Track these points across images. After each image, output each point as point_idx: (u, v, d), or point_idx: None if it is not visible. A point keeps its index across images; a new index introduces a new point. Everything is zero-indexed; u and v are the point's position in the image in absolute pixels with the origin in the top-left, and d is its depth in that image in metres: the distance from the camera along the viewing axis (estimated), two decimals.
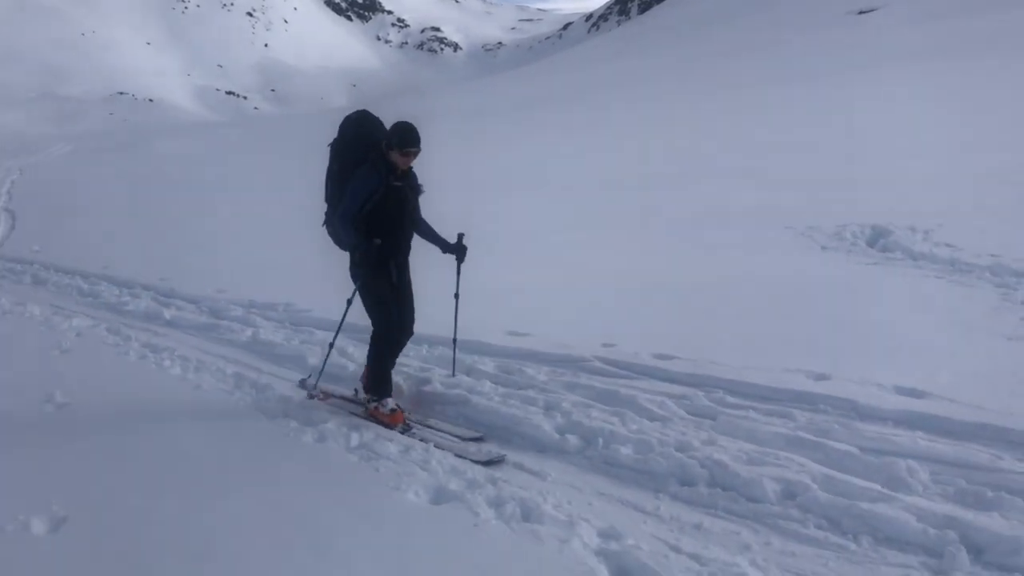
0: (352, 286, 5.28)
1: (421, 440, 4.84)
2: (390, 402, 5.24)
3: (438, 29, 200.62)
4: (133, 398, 5.75)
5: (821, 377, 5.30)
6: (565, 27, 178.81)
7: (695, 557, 3.42)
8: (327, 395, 5.64)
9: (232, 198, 20.24)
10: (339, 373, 6.28)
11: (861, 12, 51.73)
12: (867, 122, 18.29)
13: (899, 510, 3.63)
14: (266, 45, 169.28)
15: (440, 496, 4.06)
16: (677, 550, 3.48)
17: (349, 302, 5.35)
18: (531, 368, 5.95)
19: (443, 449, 4.69)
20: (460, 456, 4.59)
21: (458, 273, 5.58)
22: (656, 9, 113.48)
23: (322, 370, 5.62)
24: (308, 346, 6.96)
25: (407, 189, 5.19)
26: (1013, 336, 5.93)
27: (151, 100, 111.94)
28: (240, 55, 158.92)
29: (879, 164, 13.72)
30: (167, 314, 8.43)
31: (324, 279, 9.45)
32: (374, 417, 5.23)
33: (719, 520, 3.82)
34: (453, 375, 5.89)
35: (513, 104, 40.14)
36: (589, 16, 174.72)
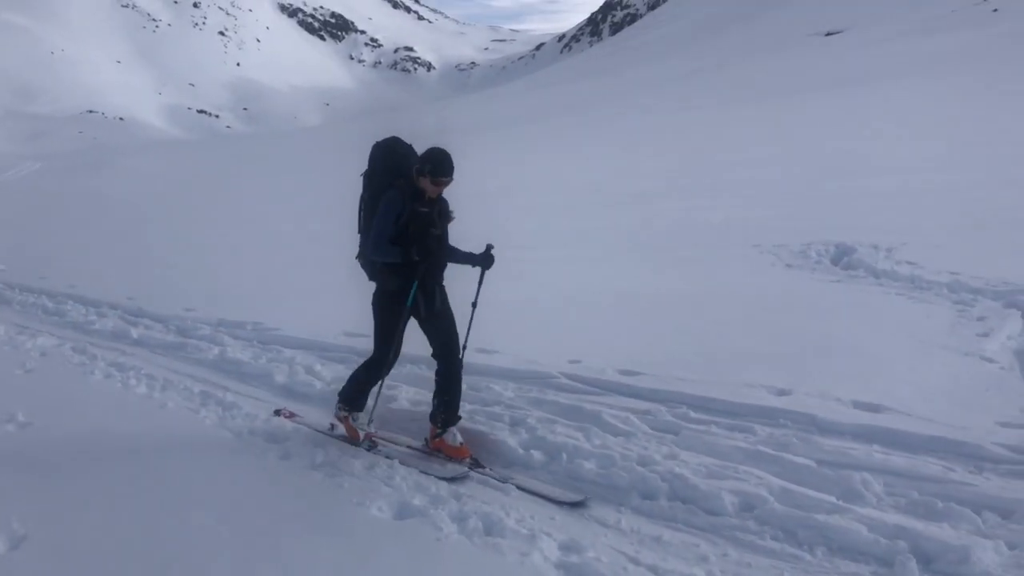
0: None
1: (386, 457, 4.87)
2: (361, 417, 5.24)
3: (411, 49, 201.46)
4: (97, 417, 5.71)
5: (782, 392, 5.39)
6: (538, 47, 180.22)
7: (653, 569, 3.48)
8: (292, 414, 5.65)
9: (202, 217, 20.15)
10: (306, 391, 6.30)
11: (828, 34, 52.76)
12: (832, 140, 18.63)
13: (852, 521, 3.72)
14: (238, 64, 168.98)
15: (404, 511, 4.09)
16: (636, 562, 3.54)
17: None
18: (498, 385, 5.99)
19: (408, 465, 4.73)
20: (425, 472, 4.63)
21: (480, 282, 5.36)
22: (627, 30, 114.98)
23: (374, 407, 5.18)
24: (275, 364, 6.94)
25: (434, 215, 5.03)
26: (969, 352, 6.06)
27: (121, 119, 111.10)
28: (212, 74, 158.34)
29: (845, 182, 13.96)
30: (134, 333, 8.37)
31: (294, 298, 9.50)
32: (343, 424, 5.24)
33: (678, 533, 3.88)
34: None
35: (485, 123, 40.38)
36: (561, 37, 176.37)
